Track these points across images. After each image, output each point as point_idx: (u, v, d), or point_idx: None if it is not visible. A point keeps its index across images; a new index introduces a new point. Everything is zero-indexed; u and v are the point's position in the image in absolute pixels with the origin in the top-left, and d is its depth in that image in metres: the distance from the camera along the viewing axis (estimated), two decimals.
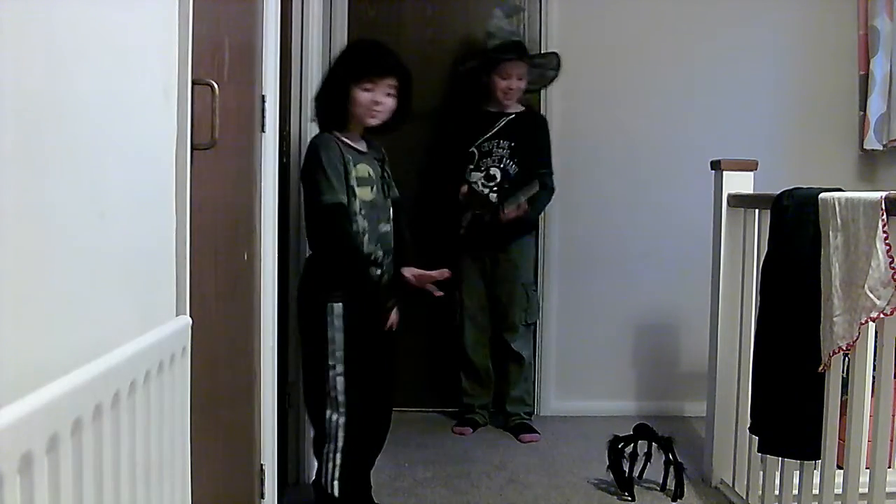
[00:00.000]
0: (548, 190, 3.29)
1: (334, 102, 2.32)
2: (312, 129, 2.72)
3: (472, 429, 3.33)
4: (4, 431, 0.77)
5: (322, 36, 2.84)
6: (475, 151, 3.27)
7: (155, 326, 1.24)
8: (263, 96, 2.05)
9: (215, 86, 1.50)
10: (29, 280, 0.90)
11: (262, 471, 2.09)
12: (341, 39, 3.27)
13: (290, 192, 2.60)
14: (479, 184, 3.24)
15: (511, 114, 3.30)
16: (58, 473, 0.88)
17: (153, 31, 1.28)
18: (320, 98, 2.38)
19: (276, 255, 2.16)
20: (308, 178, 2.31)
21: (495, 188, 3.23)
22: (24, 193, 0.88)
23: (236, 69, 1.79)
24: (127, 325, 1.17)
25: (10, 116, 0.84)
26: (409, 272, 2.38)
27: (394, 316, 2.38)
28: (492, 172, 3.24)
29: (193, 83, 1.43)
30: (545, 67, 3.31)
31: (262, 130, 2.05)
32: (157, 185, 1.31)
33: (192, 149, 1.44)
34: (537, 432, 3.25)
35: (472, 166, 3.27)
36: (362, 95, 2.28)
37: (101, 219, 1.08)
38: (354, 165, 2.29)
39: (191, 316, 1.40)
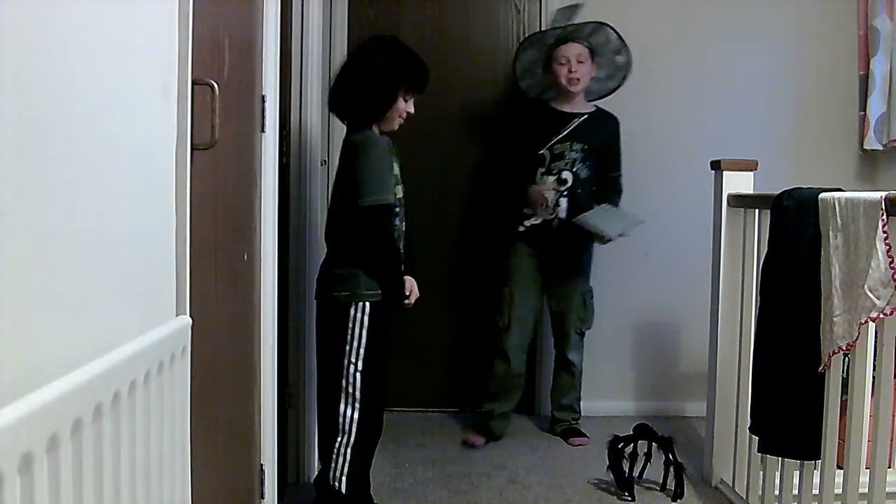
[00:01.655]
0: (618, 194, 3.23)
1: (380, 102, 2.29)
2: (313, 129, 2.73)
3: (485, 439, 3.16)
4: (4, 431, 0.77)
5: (322, 36, 2.84)
6: (546, 154, 3.14)
7: (155, 326, 1.24)
8: (263, 96, 2.05)
9: (215, 86, 1.50)
10: (29, 280, 0.90)
11: (262, 470, 2.09)
12: (341, 39, 3.27)
13: (289, 192, 2.60)
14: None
15: (584, 114, 3.18)
16: (58, 473, 0.88)
17: (153, 31, 1.28)
18: (365, 93, 2.28)
19: (276, 255, 2.16)
20: (355, 172, 2.24)
21: (566, 193, 3.12)
22: (23, 193, 0.88)
23: (236, 69, 1.79)
24: (127, 325, 1.17)
25: (10, 117, 0.84)
26: (409, 283, 2.36)
27: (414, 291, 2.36)
28: (563, 176, 3.12)
29: (193, 83, 1.43)
30: (606, 49, 3.16)
31: (262, 130, 2.05)
32: (156, 185, 1.31)
33: (192, 149, 1.44)
34: (586, 436, 3.19)
35: (542, 169, 3.14)
36: (402, 105, 2.32)
37: (100, 219, 1.08)
38: (395, 163, 2.31)
39: (191, 316, 1.40)
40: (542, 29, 3.37)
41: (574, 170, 3.14)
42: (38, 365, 0.91)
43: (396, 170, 2.32)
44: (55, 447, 0.87)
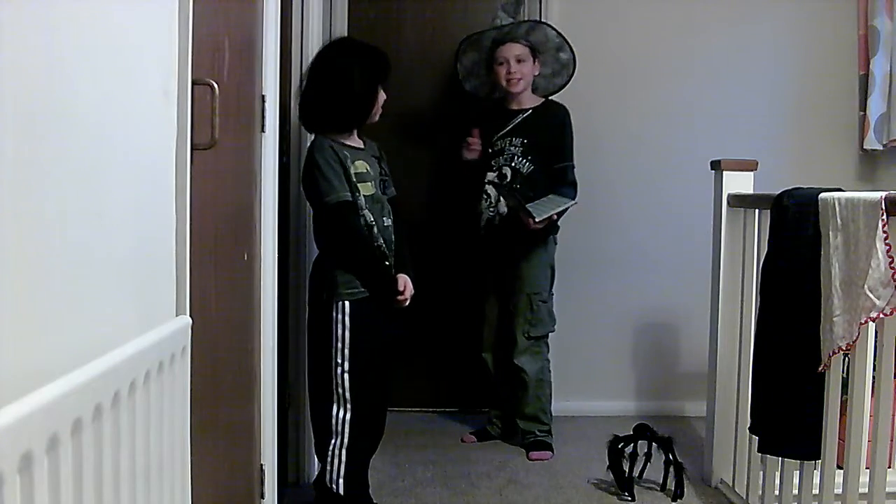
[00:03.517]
0: (568, 185, 3.11)
1: (365, 102, 2.34)
2: None
3: (476, 439, 3.23)
4: (4, 431, 0.77)
5: (322, 36, 2.84)
6: (488, 150, 3.13)
7: (155, 326, 1.24)
8: (263, 96, 2.05)
9: (215, 86, 1.50)
10: (29, 280, 0.90)
11: (262, 471, 2.09)
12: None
13: (290, 192, 2.60)
14: (493, 184, 3.10)
15: (527, 109, 3.13)
16: (58, 473, 0.88)
17: (153, 31, 1.28)
18: (347, 98, 2.32)
19: (276, 255, 2.16)
20: (308, 183, 2.34)
21: (506, 187, 3.07)
22: (23, 194, 0.88)
23: (236, 69, 1.79)
24: (127, 325, 1.17)
25: (10, 117, 0.84)
26: (402, 280, 2.36)
27: (409, 288, 2.37)
28: (503, 171, 3.09)
29: (193, 83, 1.43)
30: (547, 47, 3.13)
31: (262, 130, 2.05)
32: (156, 186, 1.31)
33: (192, 149, 1.44)
34: (550, 450, 3.08)
35: (484, 167, 3.13)
36: (380, 96, 2.38)
37: (100, 219, 1.08)
38: (352, 162, 2.31)
39: (191, 316, 1.40)
40: (483, 29, 3.26)
41: (514, 164, 3.08)
42: (38, 365, 0.91)
43: (363, 167, 2.34)
44: (55, 447, 0.87)
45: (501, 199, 3.08)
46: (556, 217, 3.02)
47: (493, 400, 3.30)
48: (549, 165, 3.12)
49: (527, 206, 2.93)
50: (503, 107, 3.18)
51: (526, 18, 3.44)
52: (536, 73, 3.15)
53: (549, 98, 3.21)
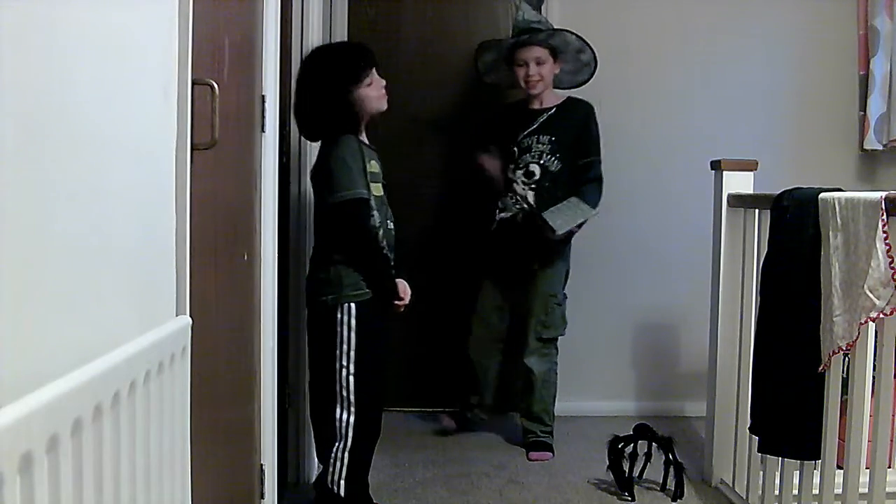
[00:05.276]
0: (596, 181, 3.12)
1: (345, 106, 2.27)
2: None
3: (454, 423, 3.27)
4: (4, 431, 0.77)
5: (322, 36, 2.84)
6: (515, 149, 3.12)
7: (155, 326, 1.24)
8: (263, 96, 2.05)
9: (215, 86, 1.50)
10: (29, 280, 0.90)
11: (262, 471, 2.09)
12: (341, 39, 3.26)
13: (290, 191, 2.60)
14: (520, 182, 3.10)
15: (552, 107, 3.14)
16: (58, 473, 0.88)
17: (153, 31, 1.28)
18: (330, 109, 2.28)
19: (276, 255, 2.16)
20: (325, 173, 2.26)
21: (534, 186, 3.08)
22: (23, 193, 0.88)
23: (236, 69, 1.79)
24: (127, 325, 1.17)
25: (10, 116, 0.84)
26: (402, 285, 2.36)
27: (406, 291, 2.36)
28: (531, 169, 3.09)
29: (193, 83, 1.43)
30: (567, 49, 3.14)
31: (262, 130, 2.05)
32: (156, 186, 1.31)
33: (192, 149, 1.44)
34: (550, 451, 3.08)
35: (512, 164, 3.13)
36: (367, 91, 2.29)
37: (100, 219, 1.08)
38: (369, 161, 2.29)
39: (191, 316, 1.40)
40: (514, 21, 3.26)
41: (542, 162, 3.09)
42: (38, 365, 0.91)
43: (376, 168, 2.32)
44: (55, 447, 0.87)
45: (528, 197, 3.08)
46: (576, 229, 3.05)
47: (474, 385, 3.26)
48: (575, 162, 3.13)
49: (549, 210, 2.96)
50: (525, 106, 3.19)
51: (545, 14, 3.43)
52: (557, 71, 3.16)
53: (572, 96, 3.22)
